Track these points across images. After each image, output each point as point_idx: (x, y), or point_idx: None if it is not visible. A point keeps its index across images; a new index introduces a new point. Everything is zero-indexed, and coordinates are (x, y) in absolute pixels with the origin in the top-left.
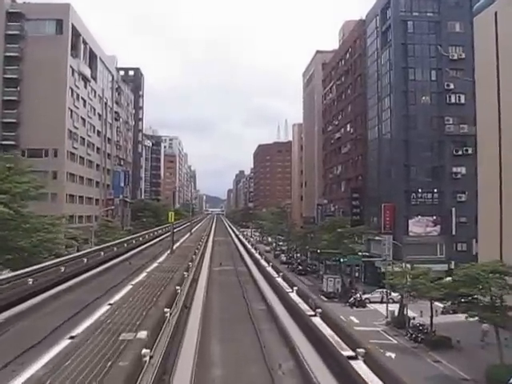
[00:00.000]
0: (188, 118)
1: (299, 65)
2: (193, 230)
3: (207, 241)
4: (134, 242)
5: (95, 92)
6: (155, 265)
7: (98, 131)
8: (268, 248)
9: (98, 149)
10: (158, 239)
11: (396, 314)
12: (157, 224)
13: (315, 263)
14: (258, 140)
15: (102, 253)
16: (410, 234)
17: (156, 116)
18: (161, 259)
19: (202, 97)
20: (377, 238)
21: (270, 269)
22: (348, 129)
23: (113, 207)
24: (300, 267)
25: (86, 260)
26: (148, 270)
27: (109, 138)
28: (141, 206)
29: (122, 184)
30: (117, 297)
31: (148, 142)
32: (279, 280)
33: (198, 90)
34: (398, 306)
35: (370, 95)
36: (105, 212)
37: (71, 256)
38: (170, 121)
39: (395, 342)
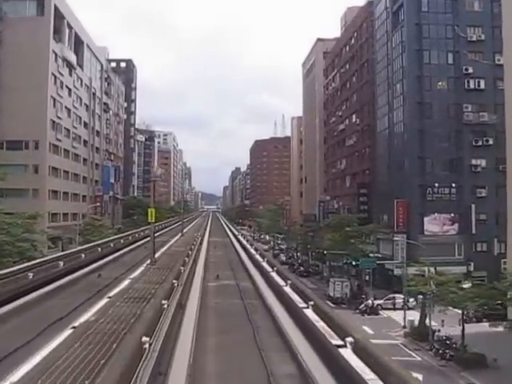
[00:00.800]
0: (183, 114)
1: (297, 59)
2: (185, 230)
3: (201, 243)
4: (111, 245)
5: (82, 81)
6: (126, 283)
7: (85, 123)
8: (266, 247)
9: (85, 142)
10: (144, 240)
11: (416, 324)
12: (149, 222)
13: (317, 264)
14: (254, 137)
15: (62, 263)
16: (426, 233)
17: (151, 113)
18: (136, 273)
19: (197, 93)
20: (388, 237)
21: (274, 274)
22: (353, 119)
23: (99, 204)
24: (301, 268)
25: (31, 276)
26: (115, 291)
27: (97, 131)
28: (133, 204)
29: (112, 180)
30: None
31: (141, 137)
32: (287, 290)
33: (192, 87)
34: (416, 314)
35: (379, 82)
36: (93, 209)
37: (8, 271)
38: (165, 117)
39: (418, 358)
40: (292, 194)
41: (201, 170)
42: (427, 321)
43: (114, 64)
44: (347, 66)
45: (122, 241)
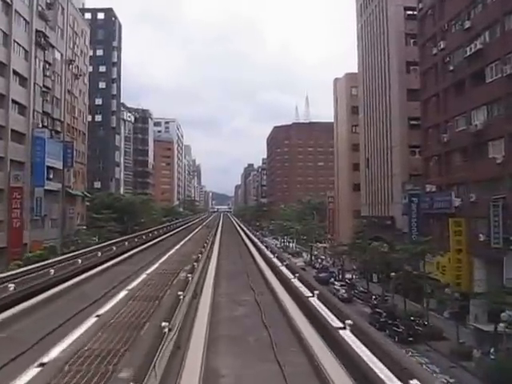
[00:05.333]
0: (194, 114)
1: (308, 59)
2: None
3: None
4: None
5: None
6: None
7: None
8: (300, 263)
9: None
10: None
11: None
12: (127, 230)
13: (420, 313)
14: (267, 136)
15: None
16: None
17: (162, 113)
18: None
19: (209, 92)
20: None
21: None
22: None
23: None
24: (400, 329)
25: None
26: None
27: (22, 77)
28: (107, 204)
29: (58, 163)
30: None
31: (129, 116)
32: None
33: (204, 86)
34: None
35: None
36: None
37: None
38: (177, 117)
39: None
40: (340, 187)
41: (212, 170)
42: None
43: (88, 15)
44: None
45: None
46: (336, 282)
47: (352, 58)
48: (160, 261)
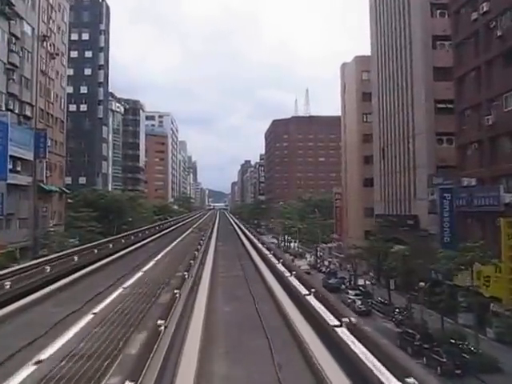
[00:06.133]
0: (191, 111)
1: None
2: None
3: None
4: None
5: None
6: None
7: None
8: (306, 266)
9: None
10: None
11: None
12: (112, 231)
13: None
14: (263, 134)
15: None
16: None
17: (158, 109)
18: None
19: (206, 90)
20: None
21: None
22: None
23: None
24: (444, 359)
25: None
26: None
27: None
28: (91, 200)
29: (29, 153)
30: None
31: (118, 107)
32: None
33: (200, 84)
34: None
35: None
36: None
37: None
38: (173, 114)
39: None
40: (348, 182)
41: (208, 167)
42: None
43: None
44: None
45: None
46: (350, 291)
47: (351, 57)
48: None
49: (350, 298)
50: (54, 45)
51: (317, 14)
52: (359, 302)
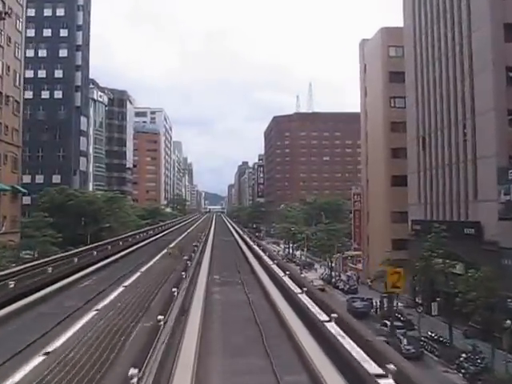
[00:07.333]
0: (187, 113)
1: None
2: None
3: None
4: None
5: None
6: None
7: None
8: (319, 281)
9: None
10: None
11: None
12: (86, 240)
13: None
14: (261, 136)
15: None
16: None
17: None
18: None
19: (202, 92)
20: None
21: None
22: None
23: None
24: None
25: None
26: None
27: None
28: (59, 202)
29: None
30: None
31: (100, 96)
32: None
33: (197, 85)
34: None
35: None
36: None
37: None
38: (169, 117)
39: None
40: (370, 181)
41: (205, 170)
42: None
43: None
44: None
45: None
46: (386, 321)
47: (351, 56)
48: None
49: (398, 338)
50: (3, 2)
51: (316, 15)
52: (405, 341)
